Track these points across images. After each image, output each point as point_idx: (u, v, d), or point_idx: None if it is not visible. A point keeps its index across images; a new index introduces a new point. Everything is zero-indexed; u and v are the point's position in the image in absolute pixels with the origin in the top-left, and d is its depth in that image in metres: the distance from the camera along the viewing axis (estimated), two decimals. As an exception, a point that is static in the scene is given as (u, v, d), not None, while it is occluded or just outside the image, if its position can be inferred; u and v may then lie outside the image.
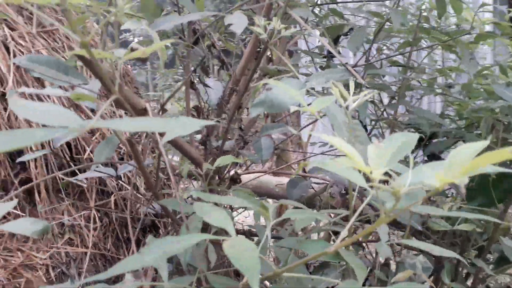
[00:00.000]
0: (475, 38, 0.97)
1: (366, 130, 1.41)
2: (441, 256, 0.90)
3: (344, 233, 0.39)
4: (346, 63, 0.96)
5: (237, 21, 0.57)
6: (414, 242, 0.56)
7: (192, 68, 0.88)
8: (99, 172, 0.90)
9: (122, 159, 1.36)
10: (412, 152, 1.30)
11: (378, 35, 0.88)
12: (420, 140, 1.24)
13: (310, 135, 2.73)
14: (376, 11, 0.95)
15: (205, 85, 1.00)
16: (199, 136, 0.96)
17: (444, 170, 0.32)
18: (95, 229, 1.39)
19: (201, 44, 0.79)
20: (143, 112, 0.53)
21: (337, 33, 1.35)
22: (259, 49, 1.83)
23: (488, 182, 0.79)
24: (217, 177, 1.13)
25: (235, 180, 1.18)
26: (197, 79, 0.92)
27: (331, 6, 1.37)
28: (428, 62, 1.40)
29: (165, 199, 0.66)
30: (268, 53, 1.75)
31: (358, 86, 0.90)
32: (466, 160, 0.32)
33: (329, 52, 1.55)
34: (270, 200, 1.95)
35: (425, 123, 1.00)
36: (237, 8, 1.16)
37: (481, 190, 0.81)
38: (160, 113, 0.77)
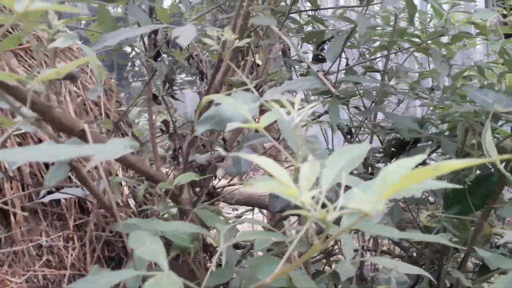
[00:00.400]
0: (450, 40, 0.95)
1: (352, 135, 1.38)
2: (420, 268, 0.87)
3: (283, 260, 0.36)
4: (318, 71, 0.93)
5: (184, 33, 0.55)
6: (377, 259, 0.52)
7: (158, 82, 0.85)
8: (65, 193, 0.87)
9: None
10: (397, 157, 1.28)
11: (351, 39, 0.86)
12: (406, 144, 1.21)
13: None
14: (347, 17, 0.93)
15: (174, 98, 0.97)
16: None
17: (374, 191, 0.29)
18: (74, 249, 1.36)
19: (162, 58, 0.76)
20: (81, 134, 0.50)
21: (320, 39, 1.33)
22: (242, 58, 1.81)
23: (464, 189, 0.76)
24: (191, 192, 1.10)
25: (211, 194, 1.14)
26: (165, 92, 0.89)
27: (313, 13, 1.36)
28: (410, 65, 1.37)
29: (117, 223, 0.62)
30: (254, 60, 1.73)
31: (330, 94, 0.88)
32: (396, 181, 0.29)
33: (314, 58, 1.53)
34: (264, 211, 1.92)
35: (405, 128, 0.97)
36: (202, 17, 1.14)
37: (458, 197, 0.78)
38: (113, 131, 0.74)
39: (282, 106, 0.48)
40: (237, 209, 2.01)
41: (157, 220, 0.52)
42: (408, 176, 0.27)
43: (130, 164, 0.63)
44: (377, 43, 1.25)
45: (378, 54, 1.12)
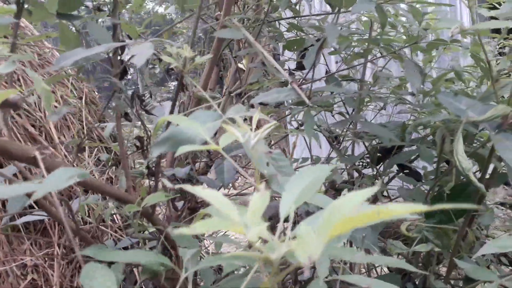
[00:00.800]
0: (427, 46, 0.93)
1: (339, 142, 1.36)
2: (407, 279, 0.85)
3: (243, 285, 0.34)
4: (292, 82, 0.91)
5: (139, 53, 0.53)
6: (350, 278, 0.50)
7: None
8: (39, 215, 0.85)
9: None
10: (383, 162, 1.26)
11: (329, 47, 0.84)
12: (391, 149, 1.20)
13: (294, 147, 2.67)
14: (318, 26, 0.91)
15: (148, 113, 0.95)
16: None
17: (317, 231, 0.27)
18: (59, 267, 1.33)
19: (142, 70, 0.74)
20: (33, 161, 0.48)
21: (301, 47, 1.32)
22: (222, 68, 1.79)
23: (443, 198, 0.74)
24: (171, 208, 1.08)
25: (193, 209, 1.12)
26: (136, 108, 0.87)
27: (292, 21, 1.34)
28: (397, 69, 1.36)
29: (88, 247, 0.60)
30: (240, 65, 1.72)
31: (304, 104, 0.86)
32: (340, 221, 0.27)
33: (297, 65, 1.52)
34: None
35: (385, 136, 0.95)
36: (167, 31, 1.12)
37: (438, 206, 0.76)
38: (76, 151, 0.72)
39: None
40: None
41: (112, 250, 0.50)
42: (351, 219, 0.25)
43: (94, 187, 0.60)
44: (358, 49, 1.24)
45: (356, 62, 1.10)
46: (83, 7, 0.85)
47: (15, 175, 0.61)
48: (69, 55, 0.57)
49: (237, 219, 0.31)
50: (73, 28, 0.74)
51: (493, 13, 0.55)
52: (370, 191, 0.29)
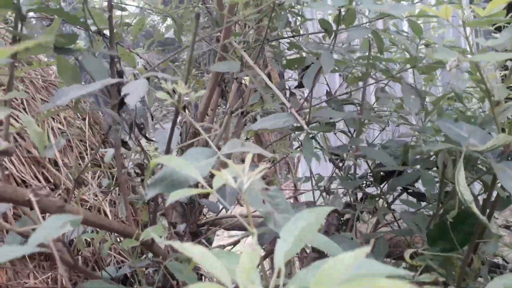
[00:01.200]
0: (426, 68, 0.92)
1: (343, 162, 1.35)
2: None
3: None
4: (291, 107, 0.91)
5: (133, 91, 0.53)
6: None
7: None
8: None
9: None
10: (387, 181, 1.24)
11: (318, 73, 0.84)
12: (393, 171, 1.18)
13: (299, 161, 2.65)
14: (314, 52, 0.91)
15: (148, 139, 0.95)
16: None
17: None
18: (63, 290, 1.33)
19: (126, 106, 0.74)
20: (28, 204, 0.48)
21: (302, 65, 1.32)
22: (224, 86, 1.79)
23: (447, 226, 0.73)
24: (172, 231, 1.07)
25: (195, 233, 1.12)
26: (135, 136, 0.87)
27: (292, 40, 1.34)
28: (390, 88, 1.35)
29: (85, 283, 0.60)
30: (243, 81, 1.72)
31: (302, 129, 0.85)
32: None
33: (298, 84, 1.52)
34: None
35: (386, 162, 0.94)
36: (165, 62, 1.12)
37: (442, 234, 0.74)
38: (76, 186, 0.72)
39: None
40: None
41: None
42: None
43: (91, 223, 0.60)
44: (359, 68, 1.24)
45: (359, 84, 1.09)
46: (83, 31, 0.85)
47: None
48: (65, 93, 0.57)
49: (228, 283, 0.31)
50: (71, 59, 0.74)
51: (490, 43, 0.55)
52: (361, 252, 0.28)
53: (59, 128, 1.65)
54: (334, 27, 0.82)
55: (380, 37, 0.76)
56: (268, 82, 0.94)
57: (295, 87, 1.55)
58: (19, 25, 0.63)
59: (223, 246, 1.86)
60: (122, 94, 0.54)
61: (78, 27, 0.80)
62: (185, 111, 1.27)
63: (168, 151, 0.84)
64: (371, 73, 0.97)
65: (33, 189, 0.50)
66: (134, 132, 0.82)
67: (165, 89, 0.59)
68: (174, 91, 0.59)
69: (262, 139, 2.46)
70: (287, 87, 1.50)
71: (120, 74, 0.82)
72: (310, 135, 0.83)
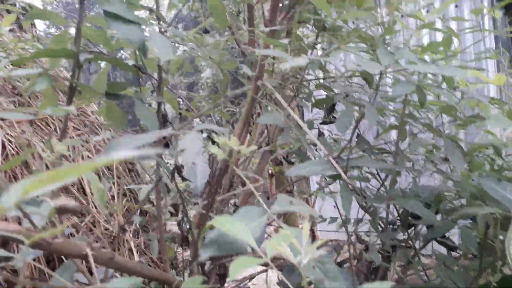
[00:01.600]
0: (463, 122, 0.92)
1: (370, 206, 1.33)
2: None
3: None
4: (328, 154, 0.91)
5: (189, 148, 0.54)
6: None
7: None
8: None
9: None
10: (415, 228, 1.22)
11: (359, 121, 0.84)
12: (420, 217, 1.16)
13: (316, 197, 2.63)
14: (356, 102, 0.92)
15: (184, 179, 0.96)
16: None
17: None
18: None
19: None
20: (84, 257, 0.48)
21: (329, 104, 1.33)
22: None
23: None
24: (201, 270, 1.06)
25: (222, 276, 1.10)
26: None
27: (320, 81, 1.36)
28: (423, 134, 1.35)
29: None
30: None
31: (340, 177, 0.85)
32: None
33: (324, 120, 1.52)
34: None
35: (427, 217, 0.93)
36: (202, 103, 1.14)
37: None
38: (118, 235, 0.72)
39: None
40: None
41: None
42: None
43: (128, 270, 0.60)
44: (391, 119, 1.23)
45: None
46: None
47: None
48: (121, 144, 0.58)
49: None
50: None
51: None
52: None
53: (87, 157, 1.68)
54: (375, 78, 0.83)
55: (423, 93, 0.77)
56: (301, 123, 0.94)
57: (321, 123, 1.56)
58: (76, 73, 0.65)
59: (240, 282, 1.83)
60: (179, 149, 0.55)
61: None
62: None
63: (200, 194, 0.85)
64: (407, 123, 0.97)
65: (89, 243, 0.50)
66: (174, 176, 0.82)
67: (217, 143, 0.60)
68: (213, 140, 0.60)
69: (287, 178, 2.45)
70: (315, 126, 1.51)
71: (165, 117, 0.84)
72: (349, 185, 0.83)
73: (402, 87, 0.72)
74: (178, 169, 0.88)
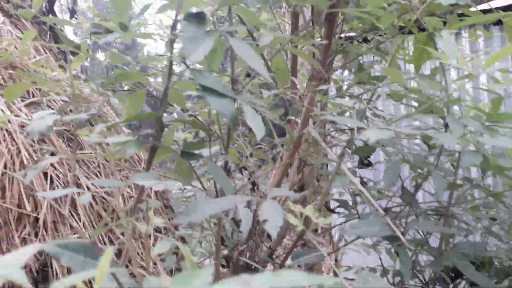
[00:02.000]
0: None
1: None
2: None
3: None
4: (385, 215, 0.91)
5: (272, 217, 0.55)
6: None
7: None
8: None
9: None
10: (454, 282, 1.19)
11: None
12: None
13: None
14: (428, 162, 0.91)
15: (238, 226, 0.97)
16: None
17: None
18: None
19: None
20: None
21: (370, 152, 1.34)
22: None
23: None
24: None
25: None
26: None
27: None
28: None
29: None
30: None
31: (397, 239, 0.84)
32: None
33: (360, 162, 1.52)
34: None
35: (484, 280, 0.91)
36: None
37: None
38: None
39: None
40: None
41: None
42: None
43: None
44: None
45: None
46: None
47: None
48: (200, 209, 0.60)
49: None
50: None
51: None
52: None
53: (128, 192, 1.71)
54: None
55: (488, 163, 0.77)
56: (349, 173, 0.95)
57: (357, 167, 1.56)
58: (161, 134, 0.68)
59: None
60: (261, 219, 0.56)
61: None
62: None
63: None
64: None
65: None
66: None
67: (294, 212, 0.61)
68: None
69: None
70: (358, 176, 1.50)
71: (229, 171, 0.86)
72: (407, 249, 0.82)
73: (471, 157, 0.73)
74: (237, 223, 0.89)
